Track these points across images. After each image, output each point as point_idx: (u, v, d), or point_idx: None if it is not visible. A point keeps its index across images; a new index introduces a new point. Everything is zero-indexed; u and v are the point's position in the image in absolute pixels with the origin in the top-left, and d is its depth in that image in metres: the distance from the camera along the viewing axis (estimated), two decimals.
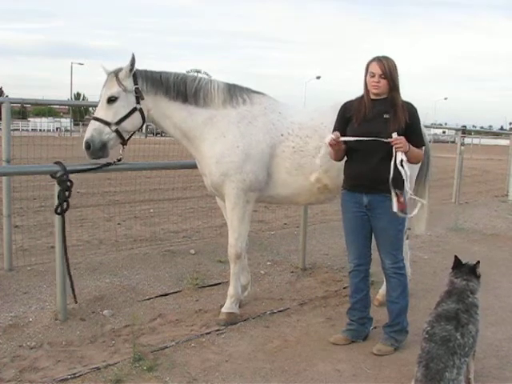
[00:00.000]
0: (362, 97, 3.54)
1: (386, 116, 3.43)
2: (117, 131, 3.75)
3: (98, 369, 3.25)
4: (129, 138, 3.93)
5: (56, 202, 3.80)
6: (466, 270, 3.21)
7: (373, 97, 3.48)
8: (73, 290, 4.04)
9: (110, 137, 3.74)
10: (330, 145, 3.46)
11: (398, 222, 3.52)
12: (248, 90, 4.10)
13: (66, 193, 3.80)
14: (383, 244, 3.60)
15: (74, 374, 3.18)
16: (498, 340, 3.92)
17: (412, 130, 3.44)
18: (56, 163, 3.83)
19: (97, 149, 3.71)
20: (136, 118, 3.82)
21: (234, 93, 4.00)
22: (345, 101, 3.78)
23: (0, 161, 4.85)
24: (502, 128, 74.85)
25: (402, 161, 3.31)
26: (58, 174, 3.77)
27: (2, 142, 4.80)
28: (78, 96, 73.83)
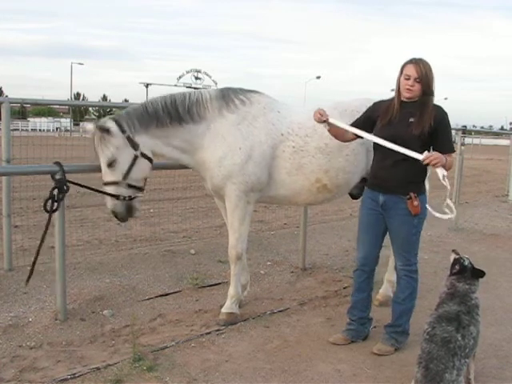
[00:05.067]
0: (393, 99, 3.47)
1: (411, 120, 3.35)
2: (129, 185, 3.67)
3: (98, 369, 3.25)
4: (144, 185, 3.83)
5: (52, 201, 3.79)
6: (468, 275, 3.21)
7: (404, 99, 3.41)
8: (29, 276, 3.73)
9: (128, 196, 3.69)
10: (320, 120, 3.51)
11: (412, 225, 3.47)
12: (242, 90, 4.02)
13: (60, 195, 3.78)
14: (396, 245, 3.60)
15: (74, 374, 3.18)
16: (498, 340, 3.92)
17: (438, 135, 3.33)
18: (55, 163, 3.82)
19: (125, 214, 3.75)
20: (142, 164, 3.72)
21: (229, 97, 3.91)
22: (344, 100, 3.75)
23: (0, 161, 4.84)
24: (502, 128, 74.70)
25: (443, 176, 3.16)
26: (57, 176, 3.73)
27: (2, 142, 4.79)
28: (77, 96, 73.91)
